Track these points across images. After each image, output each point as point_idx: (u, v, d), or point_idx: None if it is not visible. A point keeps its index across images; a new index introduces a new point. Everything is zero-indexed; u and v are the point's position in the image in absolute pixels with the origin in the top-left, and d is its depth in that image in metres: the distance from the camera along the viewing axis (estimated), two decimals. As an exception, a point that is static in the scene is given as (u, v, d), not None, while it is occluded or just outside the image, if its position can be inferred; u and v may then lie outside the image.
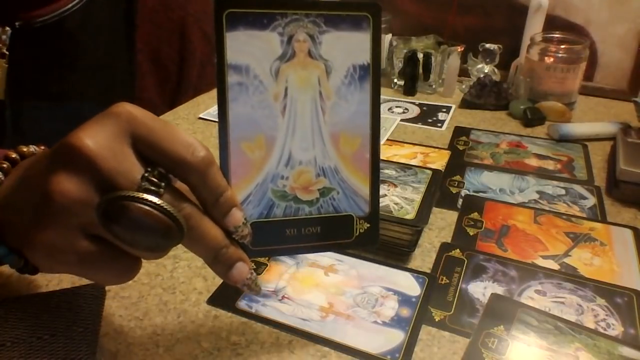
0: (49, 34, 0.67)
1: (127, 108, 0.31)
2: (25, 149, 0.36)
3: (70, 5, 0.68)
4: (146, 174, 0.30)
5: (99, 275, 0.33)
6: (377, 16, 0.35)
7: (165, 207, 0.29)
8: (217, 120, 0.34)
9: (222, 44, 0.32)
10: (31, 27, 0.65)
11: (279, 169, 0.35)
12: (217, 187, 0.32)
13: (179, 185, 0.32)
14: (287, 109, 0.34)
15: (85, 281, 0.44)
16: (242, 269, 0.33)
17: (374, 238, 0.38)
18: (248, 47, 0.32)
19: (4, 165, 0.34)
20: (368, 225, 0.38)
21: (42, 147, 0.37)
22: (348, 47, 0.35)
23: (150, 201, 0.29)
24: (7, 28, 0.64)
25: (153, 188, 0.30)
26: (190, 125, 0.77)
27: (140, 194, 0.29)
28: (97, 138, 0.29)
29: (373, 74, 0.36)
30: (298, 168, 0.35)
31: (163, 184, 0.30)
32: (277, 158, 0.34)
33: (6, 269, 0.44)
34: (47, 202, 0.29)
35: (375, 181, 0.37)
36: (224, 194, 0.32)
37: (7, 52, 0.65)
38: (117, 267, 0.32)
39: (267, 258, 0.48)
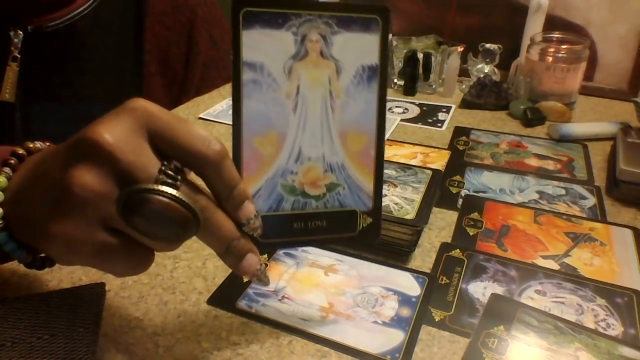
0: (60, 38, 0.67)
1: (142, 103, 0.31)
2: (31, 145, 0.36)
3: (81, 9, 0.68)
4: (163, 167, 0.30)
5: (114, 267, 0.33)
6: (386, 19, 0.36)
7: (183, 199, 0.30)
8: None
9: (238, 42, 0.32)
10: (43, 31, 0.66)
11: (289, 164, 0.35)
12: (231, 180, 0.32)
13: (191, 178, 0.32)
14: (298, 107, 0.35)
15: (85, 281, 0.44)
16: (252, 260, 0.34)
17: (376, 232, 0.39)
18: (263, 46, 0.33)
19: (12, 162, 0.35)
20: (371, 220, 0.39)
21: (48, 144, 0.37)
22: (358, 48, 0.35)
23: (170, 194, 0.29)
24: (20, 32, 0.65)
25: (170, 181, 0.30)
26: (190, 125, 0.77)
27: (160, 186, 0.29)
28: (115, 132, 0.30)
29: (380, 75, 0.37)
30: (307, 164, 0.36)
31: (179, 177, 0.31)
32: (287, 154, 0.35)
33: (6, 267, 0.44)
34: (67, 195, 0.29)
35: (379, 177, 0.38)
36: (237, 187, 0.33)
37: (18, 56, 0.65)
38: (132, 259, 0.32)
39: (266, 257, 0.48)
